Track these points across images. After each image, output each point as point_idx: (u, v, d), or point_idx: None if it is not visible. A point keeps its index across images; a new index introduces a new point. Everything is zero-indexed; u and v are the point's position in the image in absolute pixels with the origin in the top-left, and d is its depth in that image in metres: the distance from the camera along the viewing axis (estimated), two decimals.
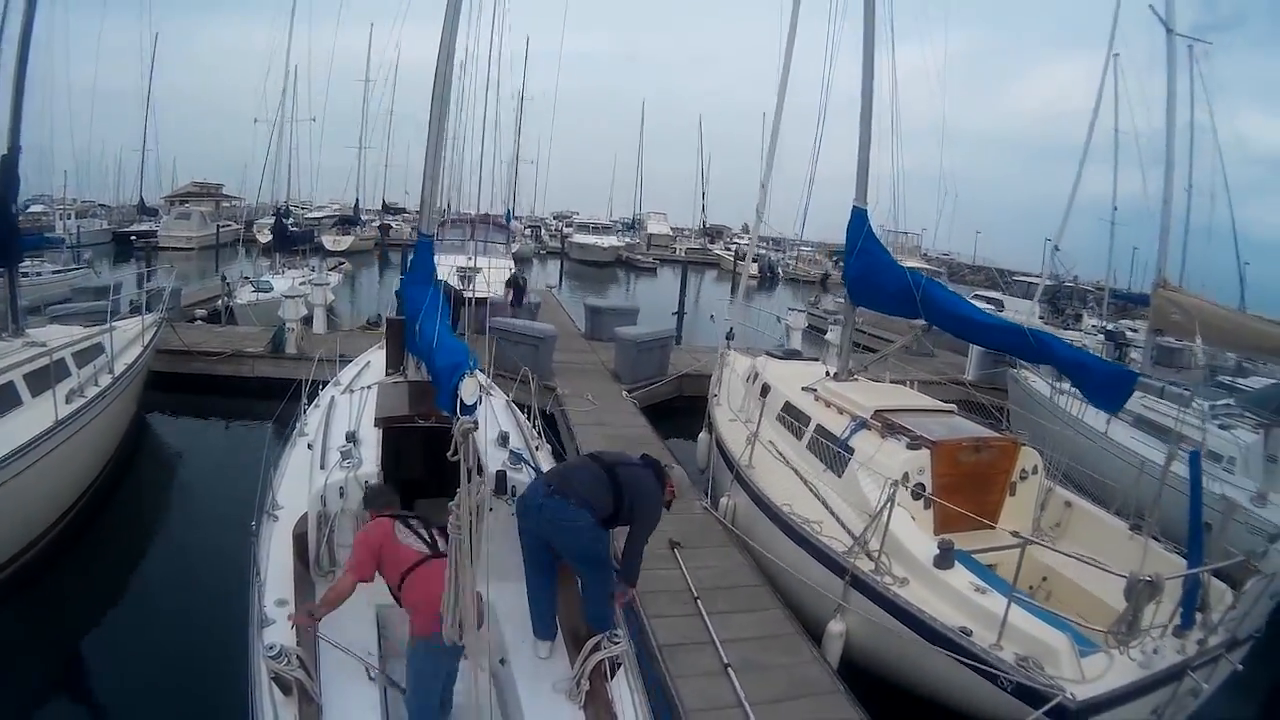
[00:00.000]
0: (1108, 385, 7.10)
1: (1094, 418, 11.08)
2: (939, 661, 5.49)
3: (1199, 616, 5.37)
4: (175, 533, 8.85)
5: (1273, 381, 9.77)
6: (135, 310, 12.57)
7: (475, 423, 4.04)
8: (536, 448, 6.80)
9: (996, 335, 8.35)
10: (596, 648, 4.27)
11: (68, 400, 8.16)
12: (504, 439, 6.16)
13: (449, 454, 3.93)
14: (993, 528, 7.35)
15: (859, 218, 10.19)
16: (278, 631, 4.20)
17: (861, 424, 8.07)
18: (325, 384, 8.26)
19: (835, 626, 6.32)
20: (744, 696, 5.21)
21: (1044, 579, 6.92)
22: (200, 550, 8.08)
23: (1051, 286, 19.70)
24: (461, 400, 4.14)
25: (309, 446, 6.24)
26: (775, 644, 6.09)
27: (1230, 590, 5.65)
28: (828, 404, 8.97)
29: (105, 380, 9.16)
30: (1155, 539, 6.58)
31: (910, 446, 7.36)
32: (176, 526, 9.07)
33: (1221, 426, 8.70)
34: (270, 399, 13.63)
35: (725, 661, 5.61)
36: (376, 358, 8.51)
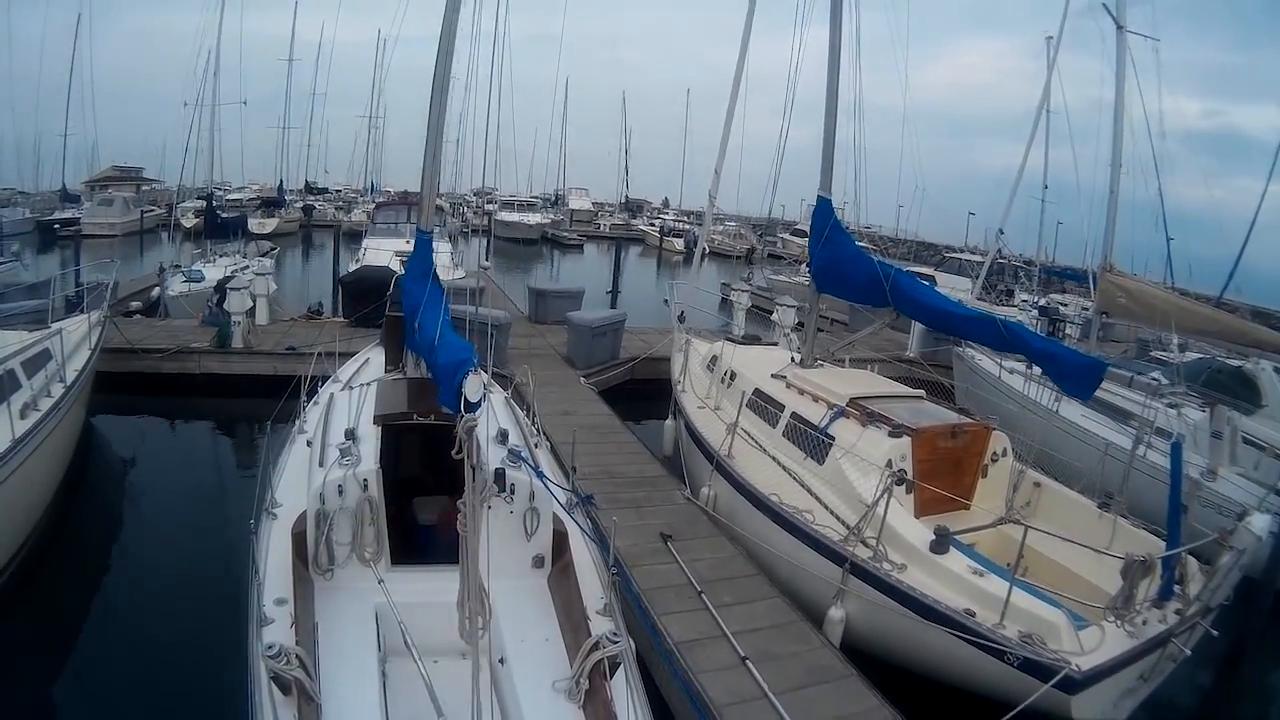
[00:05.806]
0: (1079, 374, 7.52)
1: (1042, 395, 11.64)
2: (942, 641, 5.79)
3: (1177, 589, 5.83)
4: (161, 535, 8.56)
5: (1198, 356, 10.43)
6: (72, 307, 11.90)
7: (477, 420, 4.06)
8: (535, 445, 6.79)
9: (968, 325, 8.62)
10: (596, 647, 4.24)
11: (22, 415, 7.67)
12: (503, 436, 6.10)
13: (454, 452, 3.95)
14: (967, 509, 7.76)
15: (824, 207, 10.36)
16: (277, 630, 4.16)
17: (840, 412, 8.27)
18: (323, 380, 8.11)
19: (835, 613, 6.56)
20: (767, 688, 5.37)
21: (1020, 557, 7.34)
22: (196, 550, 7.89)
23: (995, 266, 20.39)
24: (466, 398, 4.15)
25: (308, 444, 6.12)
26: (783, 633, 6.27)
27: (1196, 563, 6.14)
28: (801, 391, 9.11)
29: (58, 390, 8.62)
30: (1123, 516, 7.05)
31: (892, 434, 7.61)
32: (153, 530, 8.75)
33: (1170, 405, 9.29)
34: (218, 396, 13.25)
35: (742, 654, 5.75)
36: (376, 354, 8.33)
